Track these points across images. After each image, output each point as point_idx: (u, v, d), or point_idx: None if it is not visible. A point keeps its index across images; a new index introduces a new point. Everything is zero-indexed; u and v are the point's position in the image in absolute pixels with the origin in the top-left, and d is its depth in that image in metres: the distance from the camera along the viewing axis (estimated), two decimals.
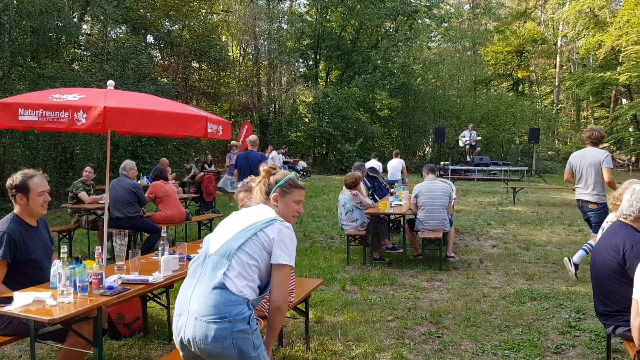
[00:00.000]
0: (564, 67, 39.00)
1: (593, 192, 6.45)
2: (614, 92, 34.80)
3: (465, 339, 4.53)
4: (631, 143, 31.34)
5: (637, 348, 2.96)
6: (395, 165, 13.91)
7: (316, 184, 19.02)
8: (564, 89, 36.46)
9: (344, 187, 7.68)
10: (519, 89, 39.64)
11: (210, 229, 9.24)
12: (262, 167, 2.70)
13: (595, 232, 6.49)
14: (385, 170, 14.19)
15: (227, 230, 2.55)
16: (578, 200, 6.70)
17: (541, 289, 6.08)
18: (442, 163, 21.83)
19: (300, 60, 29.94)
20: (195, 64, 25.20)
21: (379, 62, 27.04)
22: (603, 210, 6.43)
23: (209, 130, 5.59)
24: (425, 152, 29.38)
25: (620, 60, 31.50)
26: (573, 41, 36.54)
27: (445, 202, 7.38)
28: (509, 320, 5.00)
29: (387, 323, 4.94)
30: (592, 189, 6.44)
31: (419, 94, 28.43)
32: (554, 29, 38.71)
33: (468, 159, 21.75)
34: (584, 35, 33.85)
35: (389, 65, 27.13)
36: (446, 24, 30.94)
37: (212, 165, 15.94)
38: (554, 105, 37.56)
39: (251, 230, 2.46)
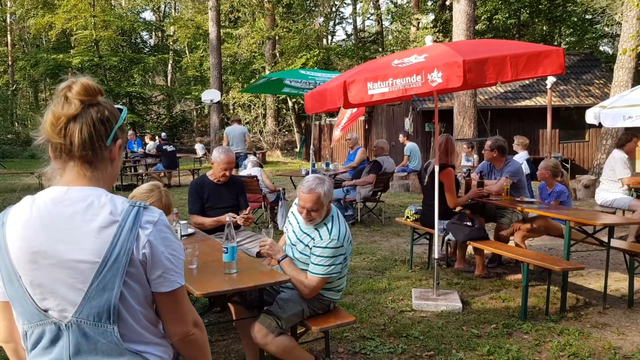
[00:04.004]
0: (17, 46, 37.32)
1: (242, 149, 11.72)
2: (69, 74, 35.72)
3: None
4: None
5: None
6: None
7: None
8: (18, 68, 34.92)
9: None
10: None
11: None
12: (66, 90, 1.27)
13: None
14: None
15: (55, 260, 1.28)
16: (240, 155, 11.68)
17: None
18: None
19: None
20: None
21: None
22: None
23: None
24: None
25: (72, 44, 32.51)
26: (23, 20, 35.30)
27: None
28: None
29: None
30: (241, 148, 11.80)
31: None
32: (1, 5, 36.29)
33: None
34: (34, 14, 33.23)
35: None
36: None
37: None
38: (10, 85, 35.60)
39: (110, 251, 1.25)
